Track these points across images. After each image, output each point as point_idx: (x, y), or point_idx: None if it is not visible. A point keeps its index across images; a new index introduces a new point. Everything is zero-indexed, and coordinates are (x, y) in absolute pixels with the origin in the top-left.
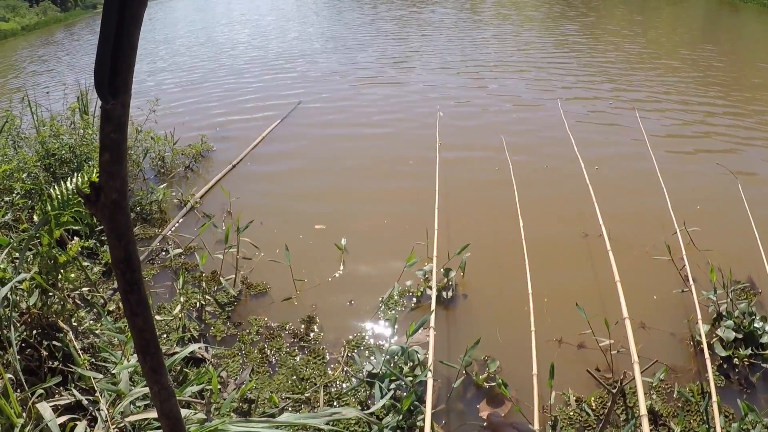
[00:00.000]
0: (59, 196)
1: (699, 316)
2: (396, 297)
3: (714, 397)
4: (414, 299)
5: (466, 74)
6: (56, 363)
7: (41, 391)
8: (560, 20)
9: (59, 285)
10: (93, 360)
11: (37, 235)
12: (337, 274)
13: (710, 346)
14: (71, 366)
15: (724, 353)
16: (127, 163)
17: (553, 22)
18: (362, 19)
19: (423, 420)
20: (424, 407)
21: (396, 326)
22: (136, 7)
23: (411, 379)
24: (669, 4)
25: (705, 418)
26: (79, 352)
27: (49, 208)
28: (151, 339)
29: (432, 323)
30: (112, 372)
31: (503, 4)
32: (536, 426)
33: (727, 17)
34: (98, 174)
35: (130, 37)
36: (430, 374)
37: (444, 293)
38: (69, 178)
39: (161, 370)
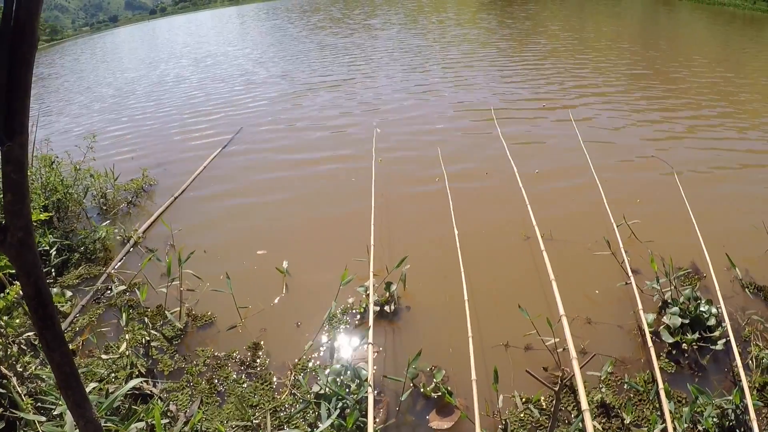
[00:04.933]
0: None
1: (640, 306)
2: (339, 315)
3: (661, 384)
4: (358, 316)
5: (408, 91)
6: (0, 410)
7: None
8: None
9: (1, 331)
10: (40, 404)
11: None
12: (280, 298)
13: (657, 334)
14: (15, 412)
15: (671, 339)
16: (30, 201)
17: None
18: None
19: None
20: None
21: (340, 345)
22: (25, 52)
23: (355, 396)
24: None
25: (656, 405)
26: (23, 397)
27: None
28: (70, 373)
29: (371, 338)
30: (57, 414)
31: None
32: (477, 430)
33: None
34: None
35: (22, 80)
36: (370, 389)
37: (387, 307)
38: None
39: (85, 404)
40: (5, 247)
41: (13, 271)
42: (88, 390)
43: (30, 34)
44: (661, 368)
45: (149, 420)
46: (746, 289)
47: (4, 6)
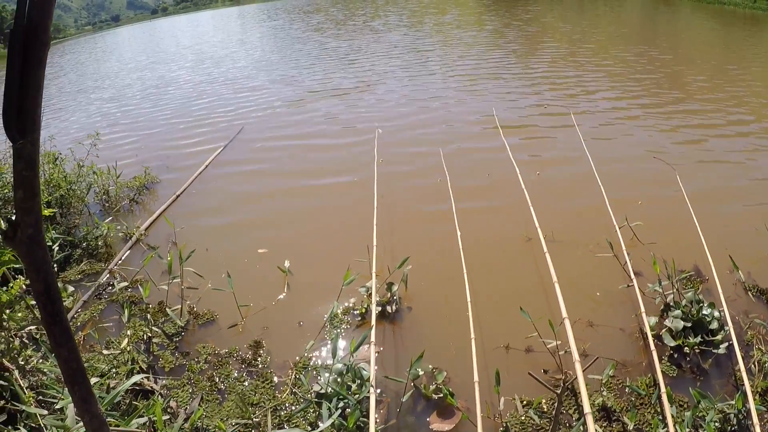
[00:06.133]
0: None
1: (642, 309)
2: (341, 315)
3: (663, 388)
4: (359, 316)
5: (412, 95)
6: (2, 402)
7: None
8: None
9: (4, 324)
10: (41, 398)
11: None
12: (281, 297)
13: (659, 338)
14: (17, 404)
15: (673, 343)
16: (40, 198)
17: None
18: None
19: None
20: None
21: (342, 344)
22: (38, 50)
23: (357, 396)
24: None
25: (658, 409)
26: (25, 390)
27: None
28: (77, 369)
29: (372, 338)
30: (58, 408)
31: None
32: None
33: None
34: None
35: (35, 78)
36: (372, 389)
37: (388, 307)
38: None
39: (91, 399)
40: (16, 243)
41: (16, 265)
42: None
43: (43, 32)
44: (662, 372)
45: (150, 416)
46: (749, 292)
47: (18, 6)
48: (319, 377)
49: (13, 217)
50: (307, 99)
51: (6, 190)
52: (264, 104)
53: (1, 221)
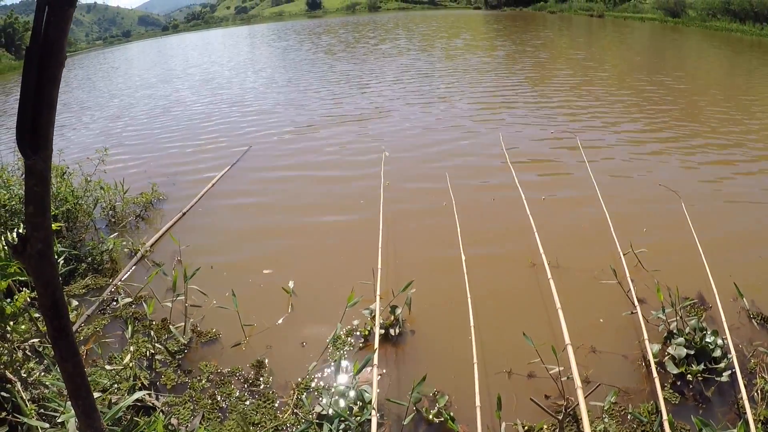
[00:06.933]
0: (5, 248)
1: (645, 336)
2: (344, 337)
3: (665, 416)
4: (362, 338)
5: (421, 120)
6: (4, 414)
7: None
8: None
9: (8, 336)
10: (43, 411)
11: None
12: (285, 318)
13: (662, 365)
14: (19, 416)
15: (676, 370)
16: (50, 214)
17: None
18: None
19: None
20: None
21: (344, 366)
22: (53, 69)
23: (358, 418)
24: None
25: None
26: (27, 402)
27: None
28: (81, 383)
29: (375, 361)
30: (60, 421)
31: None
32: None
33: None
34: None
35: (48, 96)
36: (373, 412)
37: (391, 330)
38: (18, 229)
39: (94, 414)
40: (25, 258)
41: (21, 278)
42: None
43: (58, 51)
44: (665, 399)
45: None
46: (753, 320)
47: (34, 24)
48: (320, 398)
49: (23, 231)
50: (314, 124)
51: (14, 202)
52: (272, 128)
53: (11, 235)
